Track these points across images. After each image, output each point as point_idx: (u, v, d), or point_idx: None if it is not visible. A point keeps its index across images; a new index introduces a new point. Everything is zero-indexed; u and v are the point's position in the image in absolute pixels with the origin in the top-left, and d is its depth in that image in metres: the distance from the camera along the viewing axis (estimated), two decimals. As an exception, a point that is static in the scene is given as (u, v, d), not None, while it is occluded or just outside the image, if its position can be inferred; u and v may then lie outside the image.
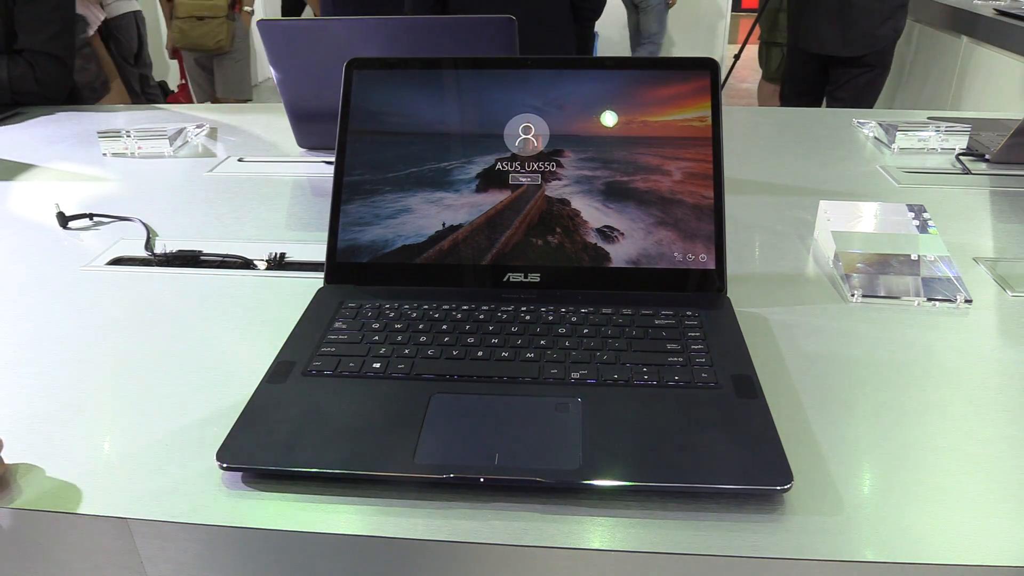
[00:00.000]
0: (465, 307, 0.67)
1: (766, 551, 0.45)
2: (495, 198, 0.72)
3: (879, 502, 0.49)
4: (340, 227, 0.73)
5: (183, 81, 3.81)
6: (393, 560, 0.48)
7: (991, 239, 0.87)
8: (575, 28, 1.89)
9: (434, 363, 0.60)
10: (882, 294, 0.73)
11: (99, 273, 0.82)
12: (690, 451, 0.50)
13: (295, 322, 0.66)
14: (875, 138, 1.24)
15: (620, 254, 0.70)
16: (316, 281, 0.75)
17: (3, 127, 1.39)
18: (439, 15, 1.75)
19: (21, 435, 0.56)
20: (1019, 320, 0.70)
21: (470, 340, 0.62)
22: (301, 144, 1.21)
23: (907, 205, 0.82)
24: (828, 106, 2.54)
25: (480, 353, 0.61)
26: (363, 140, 0.74)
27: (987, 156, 1.12)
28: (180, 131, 1.26)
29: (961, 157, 1.13)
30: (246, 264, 0.84)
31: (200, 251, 0.85)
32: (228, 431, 0.53)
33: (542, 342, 0.62)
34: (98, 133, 1.22)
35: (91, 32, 2.42)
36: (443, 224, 0.72)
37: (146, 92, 3.13)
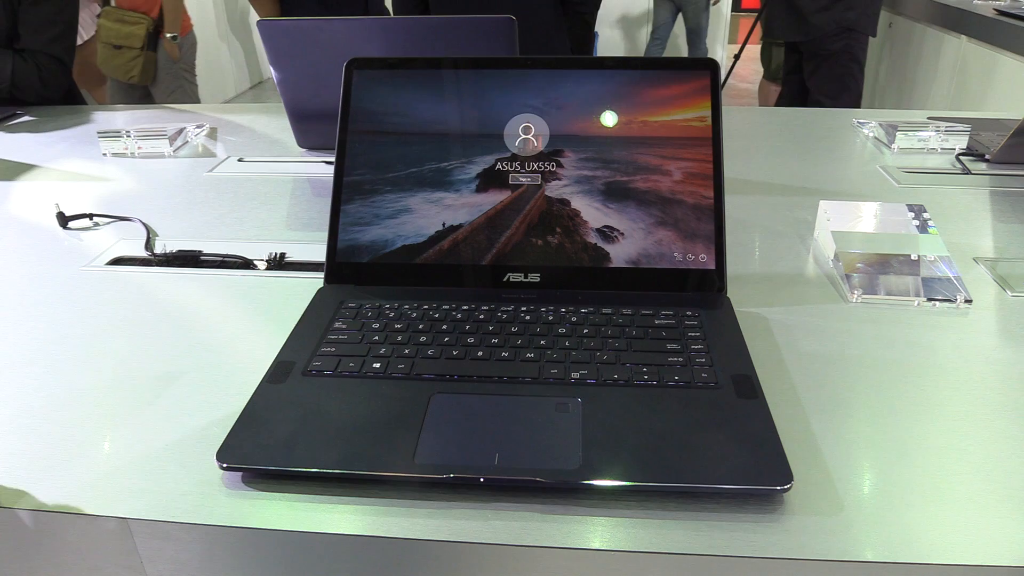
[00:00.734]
0: (465, 307, 0.67)
1: (766, 551, 0.45)
2: (495, 198, 0.72)
3: (879, 502, 0.49)
4: (340, 227, 0.73)
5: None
6: (393, 560, 0.48)
7: (991, 239, 0.87)
8: (568, 25, 1.88)
9: (434, 363, 0.60)
10: (882, 294, 0.73)
11: (99, 273, 0.82)
12: (690, 451, 0.50)
13: (295, 322, 0.66)
14: (875, 138, 1.24)
15: (620, 254, 0.70)
16: (316, 281, 0.75)
17: (3, 127, 1.39)
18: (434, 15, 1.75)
19: (21, 435, 0.56)
20: (1019, 320, 0.70)
21: (470, 340, 0.62)
22: (301, 144, 1.21)
23: (907, 205, 0.82)
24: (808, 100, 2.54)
25: (480, 353, 0.61)
26: (363, 140, 0.74)
27: (987, 156, 1.12)
28: (180, 131, 1.26)
29: (961, 157, 1.13)
30: (246, 264, 0.84)
31: (200, 251, 0.85)
32: (228, 431, 0.53)
33: (542, 342, 0.62)
34: (98, 133, 1.22)
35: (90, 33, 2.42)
36: (443, 224, 0.72)
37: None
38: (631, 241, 0.70)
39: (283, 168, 1.14)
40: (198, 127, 1.32)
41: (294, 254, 0.85)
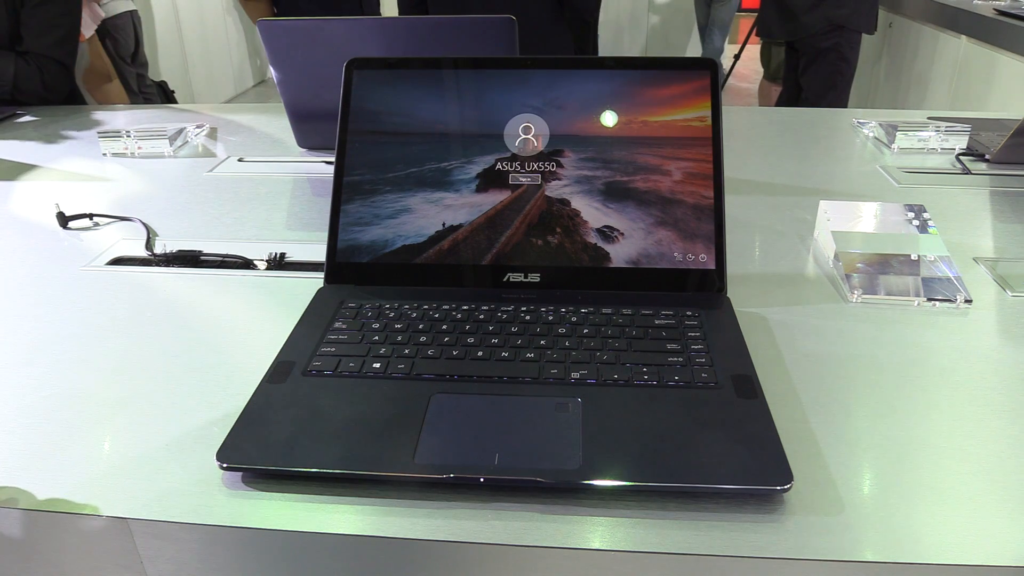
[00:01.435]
0: (465, 307, 0.67)
1: (766, 551, 0.45)
2: (495, 198, 0.72)
3: (879, 502, 0.49)
4: (340, 227, 0.73)
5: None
6: (393, 560, 0.48)
7: (991, 239, 0.87)
8: (577, 28, 1.88)
9: (434, 363, 0.60)
10: (882, 294, 0.73)
11: (99, 273, 0.82)
12: (690, 451, 0.50)
13: (295, 322, 0.66)
14: (875, 138, 1.24)
15: (620, 254, 0.70)
16: (316, 281, 0.75)
17: (3, 127, 1.39)
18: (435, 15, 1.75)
19: (21, 435, 0.56)
20: (1019, 320, 0.70)
21: (470, 340, 0.62)
22: (301, 144, 1.21)
23: (907, 205, 0.82)
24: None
25: (480, 353, 0.61)
26: (363, 140, 0.74)
27: (987, 156, 1.12)
28: (180, 131, 1.26)
29: (961, 157, 1.13)
30: (246, 264, 0.84)
31: (200, 251, 0.85)
32: (228, 431, 0.53)
33: (542, 342, 0.62)
34: (98, 133, 1.22)
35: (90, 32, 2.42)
36: (443, 224, 0.72)
37: (143, 91, 3.13)
38: (631, 241, 0.70)
39: (283, 168, 1.14)
40: (198, 127, 1.32)
41: (294, 254, 0.85)
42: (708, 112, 0.72)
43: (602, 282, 0.70)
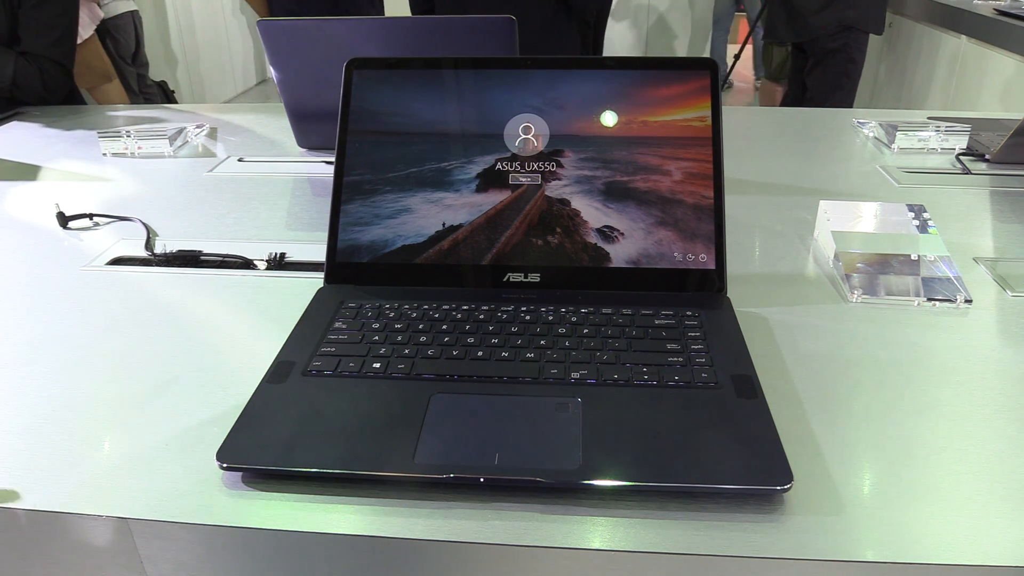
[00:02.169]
0: (465, 307, 0.67)
1: (766, 551, 0.45)
2: (495, 198, 0.72)
3: (879, 502, 0.49)
4: (340, 227, 0.73)
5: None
6: (393, 560, 0.48)
7: (991, 239, 0.87)
8: (575, 27, 1.88)
9: (434, 363, 0.60)
10: (882, 294, 0.73)
11: (99, 273, 0.82)
12: (690, 451, 0.50)
13: (295, 322, 0.66)
14: (875, 138, 1.24)
15: (620, 254, 0.70)
16: (316, 281, 0.75)
17: (3, 127, 1.39)
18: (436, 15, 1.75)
19: (21, 435, 0.56)
20: (1019, 320, 0.70)
21: (470, 340, 0.62)
22: (301, 144, 1.21)
23: (907, 205, 0.82)
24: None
25: (480, 353, 0.61)
26: (363, 140, 0.74)
27: (987, 156, 1.12)
28: (180, 131, 1.26)
29: (961, 157, 1.13)
30: (246, 264, 0.84)
31: (200, 251, 0.85)
32: (228, 431, 0.53)
33: (542, 342, 0.62)
34: (98, 133, 1.22)
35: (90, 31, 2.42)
36: (443, 224, 0.72)
37: (143, 91, 3.13)
38: (631, 241, 0.70)
39: (283, 168, 1.14)
40: (198, 127, 1.32)
41: (294, 254, 0.85)
42: (708, 112, 0.72)
43: (602, 282, 0.70)
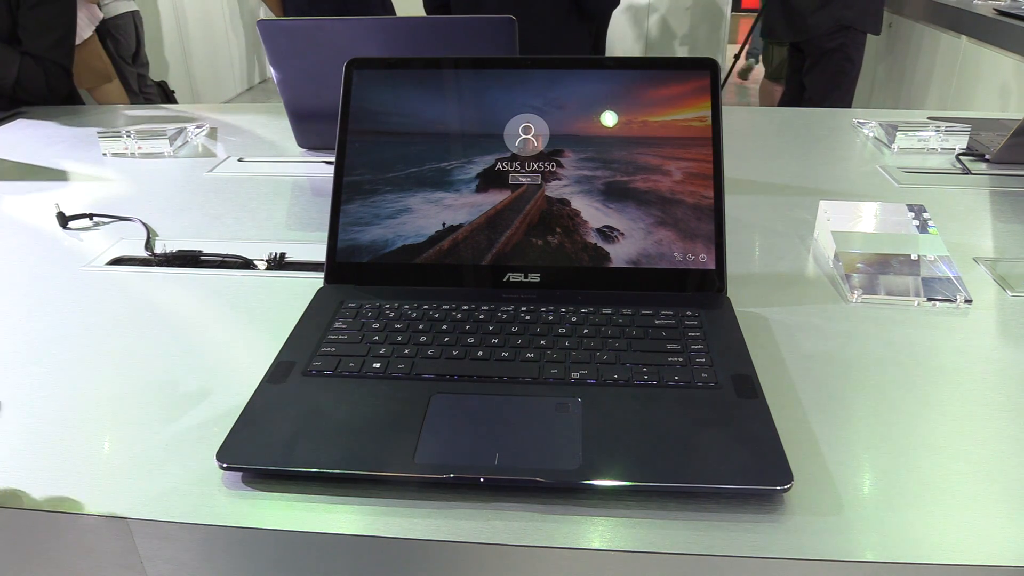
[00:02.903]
0: (465, 307, 0.67)
1: (766, 551, 0.45)
2: (495, 198, 0.72)
3: (879, 502, 0.49)
4: (340, 227, 0.73)
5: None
6: (393, 560, 0.48)
7: (991, 239, 0.87)
8: (586, 27, 1.88)
9: (434, 363, 0.60)
10: (882, 294, 0.73)
11: (99, 273, 0.82)
12: (690, 451, 0.50)
13: (295, 322, 0.66)
14: (875, 138, 1.24)
15: (620, 254, 0.70)
16: (316, 281, 0.75)
17: (3, 127, 1.39)
18: (440, 15, 1.75)
19: (21, 435, 0.56)
20: (1019, 320, 0.70)
21: (470, 340, 0.62)
22: (301, 144, 1.21)
23: (907, 205, 0.82)
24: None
25: (480, 353, 0.61)
26: (363, 140, 0.74)
27: (987, 156, 1.12)
28: (180, 131, 1.26)
29: (961, 157, 1.13)
30: (246, 264, 0.84)
31: (200, 251, 0.85)
32: (228, 431, 0.53)
33: (542, 342, 0.62)
34: (98, 133, 1.22)
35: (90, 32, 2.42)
36: (443, 224, 0.72)
37: (143, 91, 3.13)
38: (631, 241, 0.70)
39: (283, 168, 1.14)
40: (198, 127, 1.32)
41: (294, 254, 0.85)
42: (708, 112, 0.72)
43: (602, 282, 0.70)
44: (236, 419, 0.54)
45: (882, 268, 0.75)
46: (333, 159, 0.74)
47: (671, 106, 0.72)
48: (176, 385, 0.62)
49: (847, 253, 0.77)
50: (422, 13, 2.01)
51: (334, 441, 0.52)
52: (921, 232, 0.78)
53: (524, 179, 0.73)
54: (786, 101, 2.73)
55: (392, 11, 2.34)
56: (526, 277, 0.71)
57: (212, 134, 1.32)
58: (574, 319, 0.65)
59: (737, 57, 3.20)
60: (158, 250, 0.86)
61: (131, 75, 3.05)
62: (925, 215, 0.80)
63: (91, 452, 0.54)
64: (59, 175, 1.13)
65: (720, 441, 0.51)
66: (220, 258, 0.84)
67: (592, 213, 0.71)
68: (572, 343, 0.62)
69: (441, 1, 1.91)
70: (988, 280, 0.78)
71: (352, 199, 0.73)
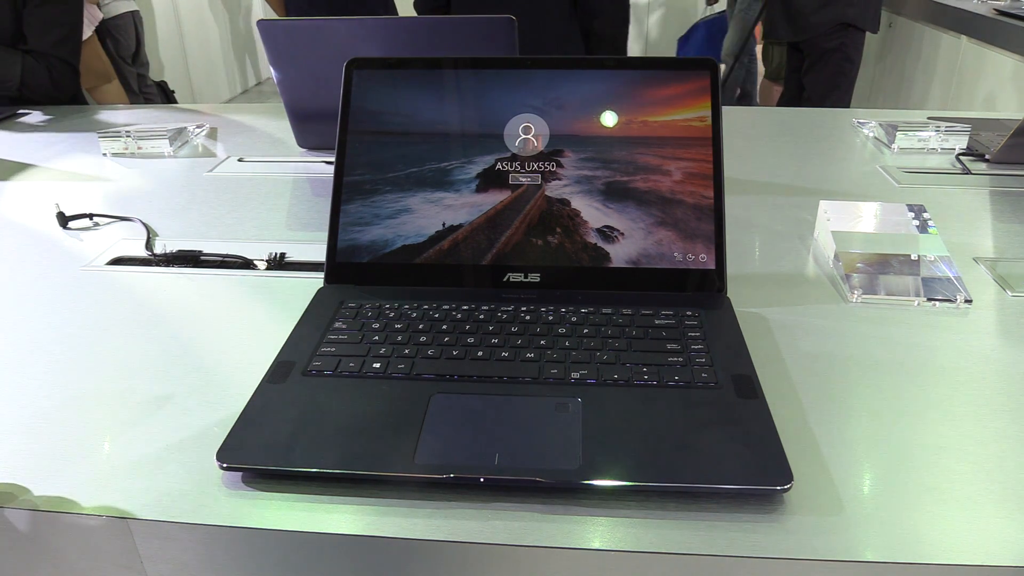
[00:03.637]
0: (465, 307, 0.67)
1: (766, 551, 0.45)
2: (495, 198, 0.72)
3: (879, 502, 0.49)
4: (340, 227, 0.73)
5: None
6: (393, 560, 0.48)
7: (991, 239, 0.87)
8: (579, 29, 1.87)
9: (434, 363, 0.60)
10: (882, 294, 0.73)
11: (99, 273, 0.82)
12: (690, 451, 0.50)
13: (295, 322, 0.66)
14: (875, 138, 1.24)
15: (620, 254, 0.70)
16: (316, 281, 0.75)
17: (3, 127, 1.39)
18: (439, 15, 1.75)
19: (21, 434, 0.56)
20: (1019, 320, 0.70)
21: (470, 340, 0.62)
22: (301, 144, 1.21)
23: (907, 205, 0.82)
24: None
25: (480, 353, 0.61)
26: (363, 140, 0.74)
27: (987, 156, 1.12)
28: (180, 131, 1.26)
29: (961, 157, 1.13)
30: (246, 264, 0.84)
31: (200, 251, 0.85)
32: (228, 431, 0.53)
33: (542, 342, 0.62)
34: (98, 133, 1.22)
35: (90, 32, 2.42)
36: (443, 224, 0.72)
37: (143, 91, 3.13)
38: (631, 241, 0.70)
39: (283, 168, 1.14)
40: (198, 127, 1.32)
41: (294, 254, 0.85)
42: (708, 112, 0.72)
43: (602, 282, 0.70)
44: (236, 419, 0.54)
45: (882, 268, 0.75)
46: (333, 159, 0.74)
47: (671, 106, 0.72)
48: (176, 385, 0.62)
49: (847, 253, 0.77)
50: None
51: (334, 441, 0.52)
52: (921, 232, 0.78)
53: (524, 179, 0.73)
54: (785, 101, 2.73)
55: (394, 11, 2.34)
56: (526, 277, 0.71)
57: (212, 134, 1.32)
58: (574, 319, 0.65)
59: (737, 57, 3.20)
60: (158, 250, 0.86)
61: (131, 75, 3.05)
62: (925, 215, 0.80)
63: (91, 452, 0.54)
64: (59, 175, 1.13)
65: (720, 441, 0.51)
66: (220, 258, 0.84)
67: (592, 213, 0.71)
68: (572, 343, 0.62)
69: (438, 3, 1.90)
70: (988, 280, 0.78)
71: (352, 199, 0.73)
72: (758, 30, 3.04)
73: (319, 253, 0.74)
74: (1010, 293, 0.75)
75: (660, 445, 0.51)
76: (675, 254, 0.70)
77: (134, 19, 3.02)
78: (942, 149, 1.17)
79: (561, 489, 0.49)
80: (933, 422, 0.56)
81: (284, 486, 0.50)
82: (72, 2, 1.50)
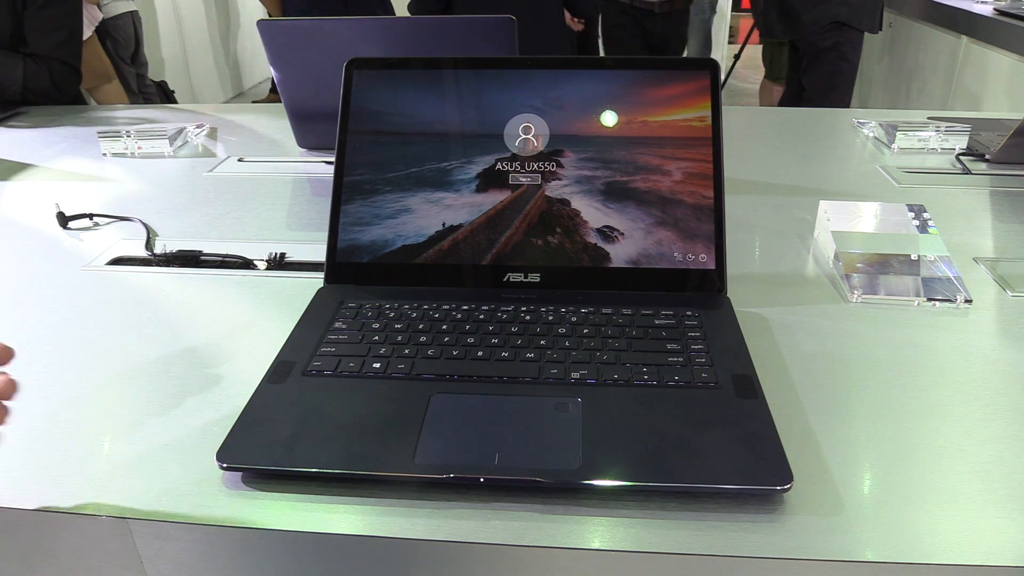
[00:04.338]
0: (465, 307, 0.67)
1: (766, 551, 0.45)
2: (495, 198, 0.72)
3: (879, 502, 0.49)
4: (340, 227, 0.73)
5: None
6: (393, 560, 0.48)
7: (991, 239, 0.87)
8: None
9: (434, 363, 0.60)
10: (882, 294, 0.73)
11: (99, 273, 0.82)
12: (690, 451, 0.50)
13: (295, 322, 0.66)
14: (875, 138, 1.24)
15: (620, 254, 0.70)
16: (316, 281, 0.75)
17: (3, 127, 1.39)
18: (439, 15, 1.75)
19: (21, 435, 0.56)
20: (1019, 320, 0.70)
21: (470, 340, 0.62)
22: (301, 144, 1.21)
23: (907, 205, 0.82)
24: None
25: (480, 353, 0.61)
26: (363, 140, 0.74)
27: (987, 156, 1.12)
28: (180, 131, 1.26)
29: (961, 157, 1.13)
30: (246, 264, 0.84)
31: (200, 251, 0.85)
32: (228, 431, 0.53)
33: (542, 342, 0.62)
34: (98, 133, 1.22)
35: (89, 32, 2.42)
36: (443, 224, 0.72)
37: (143, 91, 3.13)
38: (631, 241, 0.70)
39: (283, 168, 1.14)
40: (198, 127, 1.32)
41: (294, 254, 0.85)
42: (708, 112, 0.72)
43: (602, 282, 0.70)
44: (236, 419, 0.54)
45: (882, 268, 0.75)
46: (333, 159, 0.74)
47: (671, 106, 0.72)
48: (176, 385, 0.62)
49: (847, 253, 0.77)
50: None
51: (334, 441, 0.52)
52: (921, 232, 0.78)
53: (524, 179, 0.73)
54: (786, 101, 2.73)
55: (392, 12, 2.34)
56: (526, 277, 0.71)
57: (212, 134, 1.32)
58: (574, 319, 0.65)
59: (737, 57, 3.20)
60: (158, 250, 0.86)
61: (130, 75, 3.05)
62: (925, 215, 0.80)
63: (91, 452, 0.54)
64: (59, 175, 1.13)
65: (720, 441, 0.51)
66: (220, 258, 0.84)
67: (592, 213, 0.71)
68: (572, 343, 0.62)
69: (437, 7, 1.91)
70: (988, 280, 0.78)
71: (352, 199, 0.73)
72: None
73: (319, 253, 0.74)
74: (1010, 293, 0.75)
75: (660, 445, 0.51)
76: (675, 254, 0.70)
77: (133, 19, 3.02)
78: (942, 149, 1.17)
79: (561, 489, 0.49)
80: (933, 422, 0.56)
81: (284, 486, 0.50)
82: (72, 4, 1.50)
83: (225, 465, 0.50)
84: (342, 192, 0.73)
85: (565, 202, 0.72)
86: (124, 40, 2.99)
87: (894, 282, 0.74)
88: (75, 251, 0.87)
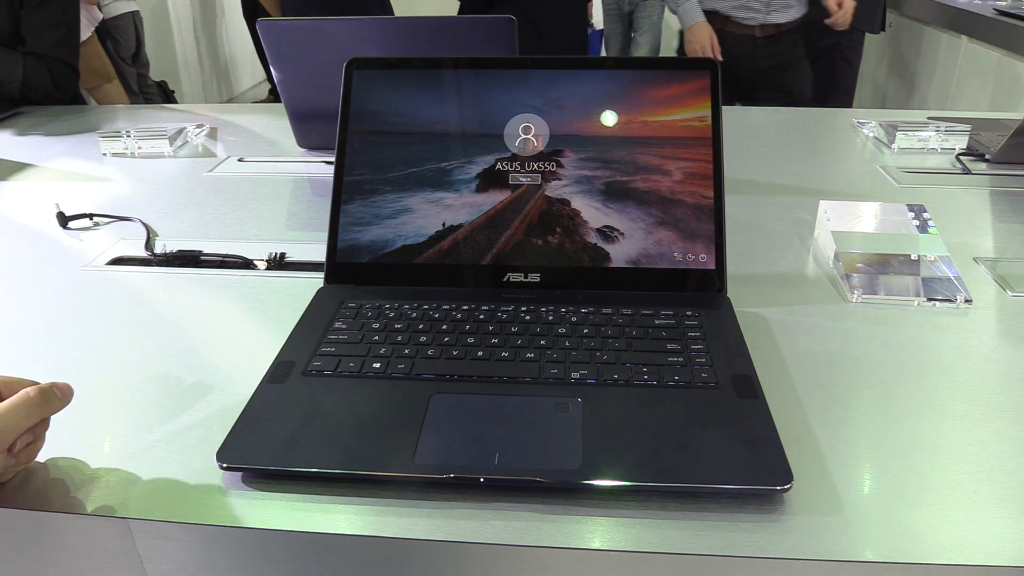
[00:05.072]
0: (465, 307, 0.67)
1: (766, 551, 0.45)
2: (495, 198, 0.72)
3: (879, 502, 0.49)
4: (340, 227, 0.73)
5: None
6: (393, 560, 0.48)
7: (991, 239, 0.87)
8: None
9: (434, 363, 0.60)
10: (882, 294, 0.73)
11: (99, 273, 0.82)
12: (690, 451, 0.50)
13: (295, 322, 0.66)
14: (875, 138, 1.24)
15: (620, 254, 0.70)
16: (316, 281, 0.75)
17: (3, 127, 1.39)
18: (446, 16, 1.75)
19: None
20: (1019, 320, 0.70)
21: (470, 340, 0.62)
22: (301, 144, 1.21)
23: (907, 205, 0.82)
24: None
25: (480, 353, 0.61)
26: (363, 140, 0.74)
27: (987, 156, 1.12)
28: (180, 131, 1.26)
29: (961, 157, 1.13)
30: (246, 264, 0.84)
31: (200, 251, 0.85)
32: (228, 431, 0.53)
33: (542, 342, 0.62)
34: (98, 133, 1.22)
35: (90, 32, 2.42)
36: (443, 224, 0.72)
37: (143, 91, 3.13)
38: (631, 241, 0.70)
39: (283, 168, 1.14)
40: (198, 127, 1.32)
41: (294, 254, 0.85)
42: (708, 112, 0.72)
43: (602, 282, 0.70)
44: (236, 419, 0.54)
45: (882, 268, 0.75)
46: (333, 159, 0.74)
47: (671, 106, 0.72)
48: (176, 385, 0.62)
49: (847, 253, 0.77)
50: (422, 13, 2.01)
51: (334, 441, 0.52)
52: (921, 232, 0.78)
53: (524, 179, 0.73)
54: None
55: (391, 12, 2.34)
56: (526, 277, 0.71)
57: (212, 134, 1.32)
58: (574, 319, 0.65)
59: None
60: (158, 250, 0.86)
61: (131, 75, 3.06)
62: (925, 215, 0.80)
63: (91, 452, 0.54)
64: (59, 175, 1.13)
65: (720, 441, 0.51)
66: (220, 258, 0.84)
67: (592, 213, 0.71)
68: (572, 343, 0.62)
69: (481, 5, 1.93)
70: (988, 280, 0.78)
71: (352, 199, 0.73)
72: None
73: (319, 253, 0.74)
74: (1010, 293, 0.75)
75: (660, 445, 0.51)
76: (675, 254, 0.70)
77: (134, 19, 3.02)
78: (942, 149, 1.17)
79: (561, 489, 0.49)
80: (933, 422, 0.56)
81: (284, 486, 0.50)
82: (69, 2, 1.50)
83: (225, 465, 0.50)
84: (342, 192, 0.73)
85: (565, 202, 0.72)
86: (125, 40, 2.99)
87: (894, 282, 0.74)
88: (75, 251, 0.87)
